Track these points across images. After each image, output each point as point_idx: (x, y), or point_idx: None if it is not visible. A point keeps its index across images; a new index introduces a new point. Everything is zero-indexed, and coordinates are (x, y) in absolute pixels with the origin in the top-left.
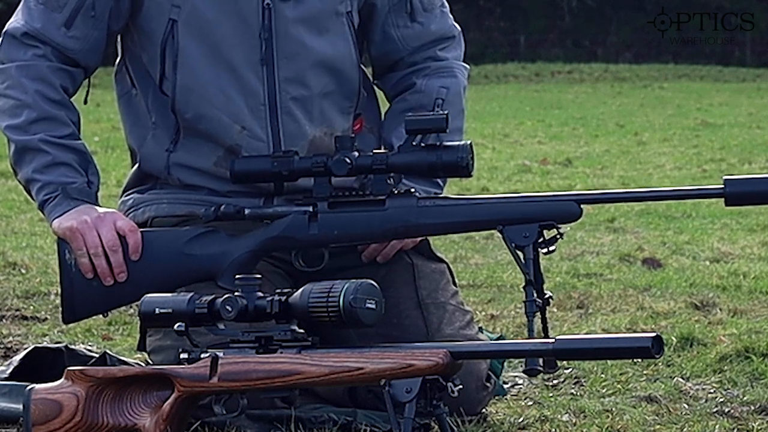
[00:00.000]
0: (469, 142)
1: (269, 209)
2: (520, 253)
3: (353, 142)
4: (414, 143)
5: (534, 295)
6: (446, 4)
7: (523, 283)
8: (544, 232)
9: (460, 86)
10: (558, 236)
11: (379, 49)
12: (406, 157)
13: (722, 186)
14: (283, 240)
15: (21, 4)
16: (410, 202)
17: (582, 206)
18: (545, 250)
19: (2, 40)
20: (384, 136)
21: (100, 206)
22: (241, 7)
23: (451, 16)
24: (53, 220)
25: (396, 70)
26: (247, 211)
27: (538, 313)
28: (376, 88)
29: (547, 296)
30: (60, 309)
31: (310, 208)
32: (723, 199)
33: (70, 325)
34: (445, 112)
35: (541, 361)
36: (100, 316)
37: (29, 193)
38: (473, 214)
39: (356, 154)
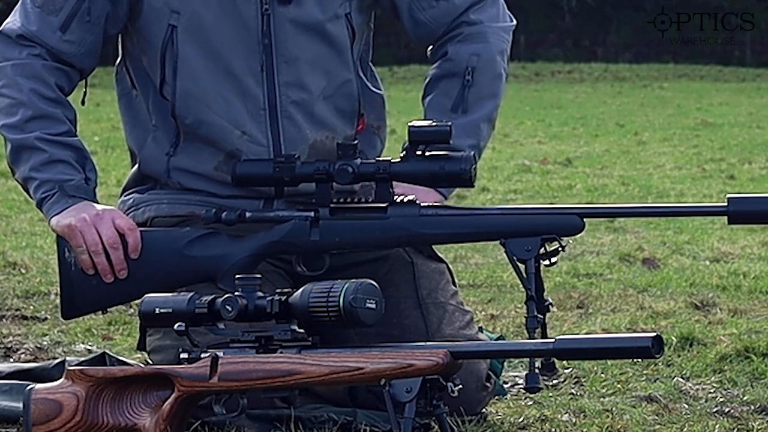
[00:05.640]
0: (472, 152)
1: (271, 213)
2: (521, 266)
3: (356, 149)
4: (418, 152)
5: (535, 311)
6: None
7: (525, 297)
8: (546, 244)
9: (493, 51)
10: (560, 249)
11: (414, 34)
12: (409, 166)
13: (725, 204)
14: (284, 245)
15: (18, 4)
16: (412, 211)
17: (585, 220)
18: (546, 263)
19: None
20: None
21: (98, 203)
22: (240, 13)
23: None
24: (51, 217)
25: (435, 42)
26: (248, 215)
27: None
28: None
29: (547, 303)
30: (59, 306)
31: (312, 214)
32: (726, 217)
33: (71, 325)
34: (449, 123)
35: (541, 378)
36: (100, 314)
37: (27, 191)
38: (475, 226)
39: (359, 161)
